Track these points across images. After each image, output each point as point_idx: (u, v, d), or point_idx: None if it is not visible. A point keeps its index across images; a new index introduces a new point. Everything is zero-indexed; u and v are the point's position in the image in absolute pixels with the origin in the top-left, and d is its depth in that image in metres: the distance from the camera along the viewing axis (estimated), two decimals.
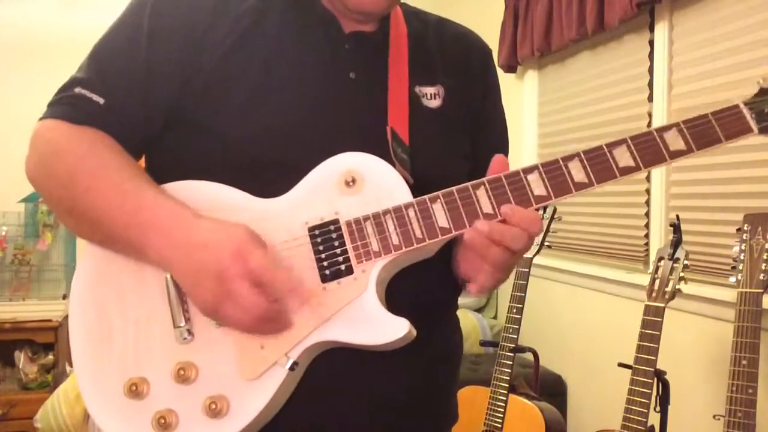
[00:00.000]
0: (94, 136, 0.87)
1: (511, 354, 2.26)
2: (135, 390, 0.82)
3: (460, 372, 1.07)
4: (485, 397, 2.24)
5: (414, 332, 0.80)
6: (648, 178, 2.46)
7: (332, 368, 0.85)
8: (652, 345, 1.74)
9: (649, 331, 1.75)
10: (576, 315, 2.88)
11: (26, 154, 0.90)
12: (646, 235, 2.48)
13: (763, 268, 1.65)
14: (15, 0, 3.52)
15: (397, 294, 0.84)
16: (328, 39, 0.95)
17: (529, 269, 2.37)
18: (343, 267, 0.82)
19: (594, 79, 2.82)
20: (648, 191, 2.46)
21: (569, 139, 3.00)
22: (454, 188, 0.83)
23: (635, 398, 1.74)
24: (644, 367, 1.74)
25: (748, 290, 1.65)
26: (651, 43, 2.46)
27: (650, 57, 2.46)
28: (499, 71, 3.29)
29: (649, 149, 0.82)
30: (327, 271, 0.82)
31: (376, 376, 0.88)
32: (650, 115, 2.46)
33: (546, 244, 2.39)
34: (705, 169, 2.19)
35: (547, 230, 2.35)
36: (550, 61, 3.15)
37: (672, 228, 1.83)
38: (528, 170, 0.83)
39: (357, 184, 0.85)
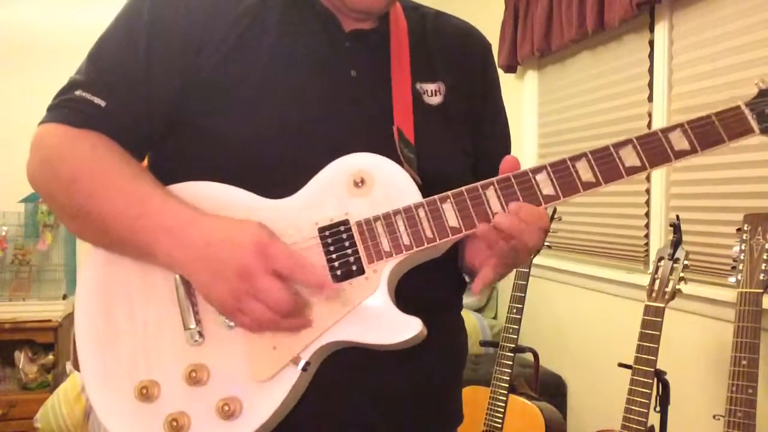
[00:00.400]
0: (96, 140, 0.86)
1: (511, 354, 2.26)
2: (146, 393, 0.81)
3: None
4: (485, 397, 2.24)
5: (425, 331, 0.81)
6: (648, 178, 2.46)
7: (337, 368, 0.85)
8: (652, 345, 1.74)
9: (649, 331, 1.75)
10: (576, 315, 2.88)
11: (27, 159, 0.89)
12: (646, 235, 2.48)
13: (763, 268, 1.65)
14: (15, 0, 3.52)
15: (404, 293, 0.84)
16: (329, 37, 0.95)
17: (529, 269, 2.37)
18: (354, 267, 0.82)
19: (594, 79, 2.82)
20: (648, 191, 2.47)
21: (569, 139, 3.00)
22: (463, 188, 0.84)
23: (635, 398, 1.74)
24: (644, 367, 1.74)
25: (748, 290, 1.65)
26: (651, 43, 2.47)
27: (650, 57, 2.47)
28: (499, 71, 3.29)
29: (655, 149, 0.83)
30: (338, 272, 0.82)
31: (382, 376, 0.89)
32: (650, 115, 2.46)
33: (546, 244, 2.39)
34: (705, 169, 2.19)
35: (547, 230, 2.35)
36: (550, 61, 3.15)
37: (672, 228, 1.83)
38: (536, 170, 0.84)
39: (366, 184, 0.85)
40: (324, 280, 0.80)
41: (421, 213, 0.83)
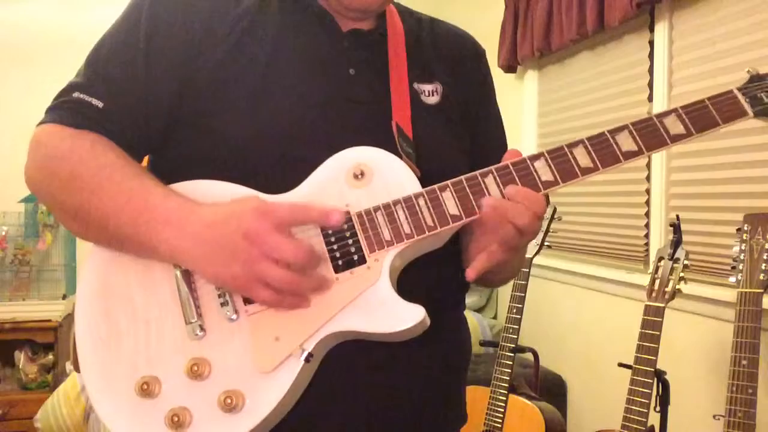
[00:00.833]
0: (94, 140, 0.87)
1: (511, 354, 2.26)
2: (146, 389, 0.81)
3: None
4: (485, 397, 2.24)
5: (428, 321, 0.81)
6: (648, 178, 2.46)
7: (338, 368, 0.85)
8: (652, 345, 1.74)
9: (649, 331, 1.76)
10: (576, 315, 2.88)
11: (26, 161, 0.89)
12: (646, 235, 2.48)
13: (763, 268, 1.65)
14: (15, 0, 3.52)
15: (407, 293, 0.84)
16: (327, 37, 0.95)
17: (529, 269, 2.37)
18: (355, 257, 0.82)
19: (594, 79, 2.82)
20: (648, 191, 2.47)
21: (569, 139, 2.93)
22: (462, 177, 0.85)
23: (635, 398, 1.74)
24: (644, 367, 1.74)
25: (748, 290, 1.65)
26: (651, 43, 2.47)
27: (650, 57, 2.47)
28: (499, 71, 3.29)
29: (651, 134, 0.85)
30: (339, 262, 0.83)
31: (383, 376, 0.89)
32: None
33: (546, 244, 2.39)
34: (705, 169, 2.19)
35: (547, 230, 2.36)
36: (550, 61, 3.15)
37: (672, 228, 1.83)
38: (534, 157, 0.85)
39: (366, 176, 0.85)
40: (330, 207, 0.80)
41: (421, 202, 0.84)
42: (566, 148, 0.85)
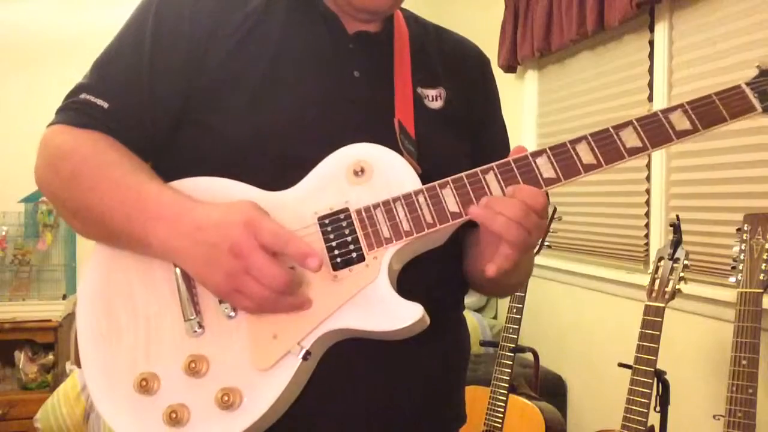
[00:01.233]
0: (97, 138, 0.88)
1: (511, 354, 2.26)
2: (145, 385, 0.81)
3: None
4: (485, 397, 2.24)
5: (427, 319, 0.80)
6: (648, 178, 2.46)
7: (337, 368, 0.85)
8: (652, 345, 1.74)
9: (649, 331, 1.76)
10: (576, 315, 2.88)
11: (35, 161, 0.91)
12: (646, 235, 2.48)
13: (763, 268, 1.65)
14: (16, 0, 3.52)
15: (406, 293, 0.84)
16: (332, 38, 0.96)
17: None
18: (354, 255, 0.82)
19: (594, 79, 2.82)
20: (648, 191, 2.47)
21: (569, 139, 2.99)
22: (463, 174, 0.84)
23: (635, 398, 1.74)
24: (644, 367, 1.74)
25: (748, 290, 1.65)
26: (651, 43, 2.47)
27: (650, 57, 2.47)
28: (499, 71, 3.29)
29: (656, 130, 0.83)
30: (338, 259, 0.82)
31: (382, 376, 0.89)
32: None
33: (546, 244, 2.39)
34: (705, 169, 2.19)
35: (547, 230, 2.35)
36: (550, 61, 3.15)
37: (672, 228, 1.83)
38: (536, 154, 0.84)
39: (366, 173, 0.85)
40: (311, 250, 0.77)
41: (421, 199, 0.83)
42: (569, 145, 0.84)
